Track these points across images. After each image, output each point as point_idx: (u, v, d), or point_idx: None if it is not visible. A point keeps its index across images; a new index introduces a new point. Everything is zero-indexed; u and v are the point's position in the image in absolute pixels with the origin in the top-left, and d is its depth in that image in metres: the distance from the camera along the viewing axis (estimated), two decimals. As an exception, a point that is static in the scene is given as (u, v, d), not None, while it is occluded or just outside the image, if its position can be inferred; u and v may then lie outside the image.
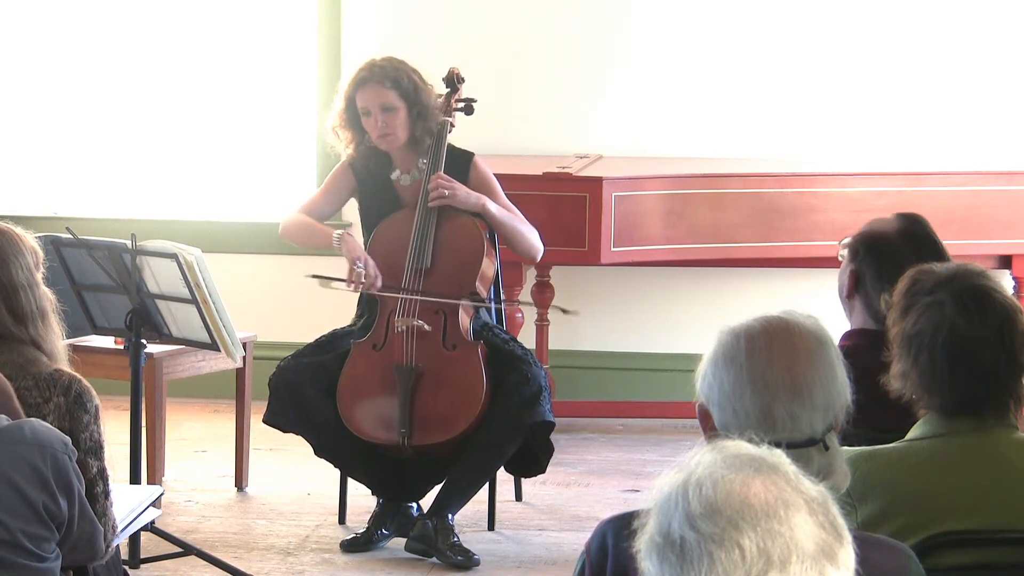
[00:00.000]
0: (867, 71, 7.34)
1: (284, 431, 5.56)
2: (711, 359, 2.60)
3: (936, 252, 3.94)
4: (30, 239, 3.80)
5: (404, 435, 5.39)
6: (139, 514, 4.22)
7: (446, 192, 5.49)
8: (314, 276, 5.56)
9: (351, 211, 5.94)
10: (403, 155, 5.62)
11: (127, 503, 4.13)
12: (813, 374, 2.57)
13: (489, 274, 5.59)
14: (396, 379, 5.44)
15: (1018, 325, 3.15)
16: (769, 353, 2.57)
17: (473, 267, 5.52)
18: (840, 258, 4.07)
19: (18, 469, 3.19)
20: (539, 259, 5.77)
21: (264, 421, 5.51)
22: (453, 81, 5.76)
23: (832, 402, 2.59)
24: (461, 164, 5.62)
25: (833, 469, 2.58)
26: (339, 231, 5.57)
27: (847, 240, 4.05)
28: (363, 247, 5.57)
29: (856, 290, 3.98)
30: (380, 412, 5.44)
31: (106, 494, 3.57)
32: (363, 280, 5.47)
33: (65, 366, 3.73)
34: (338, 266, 5.63)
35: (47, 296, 3.76)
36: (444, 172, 5.55)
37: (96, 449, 3.59)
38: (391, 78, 5.50)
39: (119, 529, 3.77)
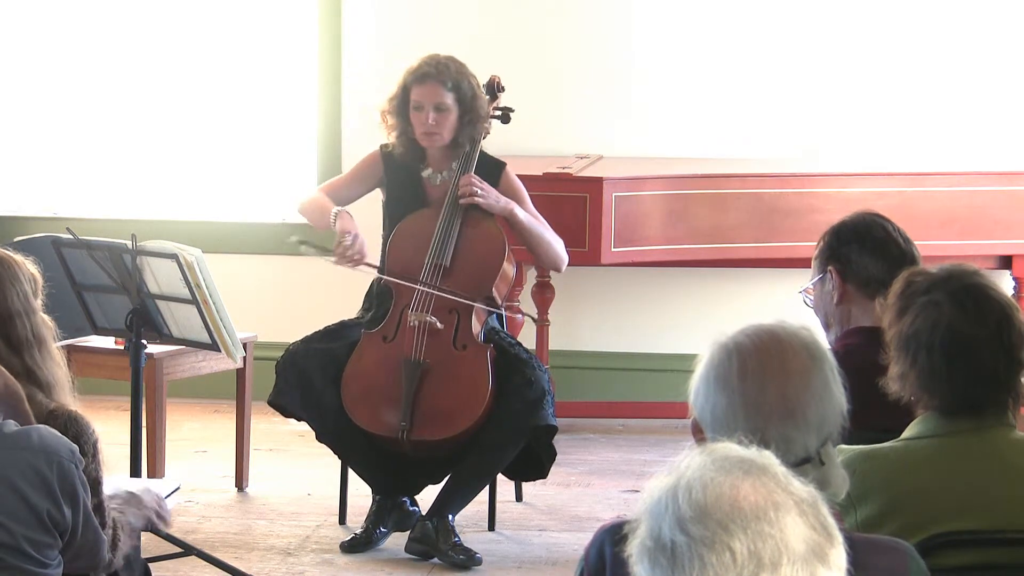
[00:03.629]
0: (867, 72, 7.34)
1: (287, 414, 5.56)
2: (703, 376, 2.56)
3: (891, 223, 4.01)
4: (29, 266, 3.77)
5: (404, 428, 5.39)
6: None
7: (478, 191, 5.50)
8: (299, 241, 5.58)
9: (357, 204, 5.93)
10: (439, 155, 5.64)
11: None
12: (807, 395, 2.52)
13: (507, 279, 5.61)
14: (402, 372, 5.44)
15: (1015, 323, 3.15)
16: (762, 377, 2.52)
17: (492, 271, 5.53)
18: (806, 301, 4.09)
19: (23, 475, 3.19)
20: (563, 270, 5.79)
21: (269, 402, 5.52)
22: (493, 89, 5.79)
23: (826, 418, 2.54)
24: (493, 172, 5.63)
25: (829, 481, 2.53)
26: (338, 207, 5.58)
27: (813, 265, 4.07)
28: (357, 227, 5.56)
29: (845, 280, 3.98)
30: (383, 404, 5.45)
31: (103, 524, 3.54)
32: (346, 254, 5.48)
33: (65, 396, 3.68)
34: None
35: (46, 324, 3.72)
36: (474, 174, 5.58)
37: (95, 486, 3.57)
38: (452, 79, 5.52)
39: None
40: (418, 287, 5.50)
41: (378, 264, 5.61)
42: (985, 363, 3.11)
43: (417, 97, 5.53)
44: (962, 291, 3.15)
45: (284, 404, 5.50)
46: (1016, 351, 3.13)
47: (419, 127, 5.54)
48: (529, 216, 5.61)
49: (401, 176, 5.67)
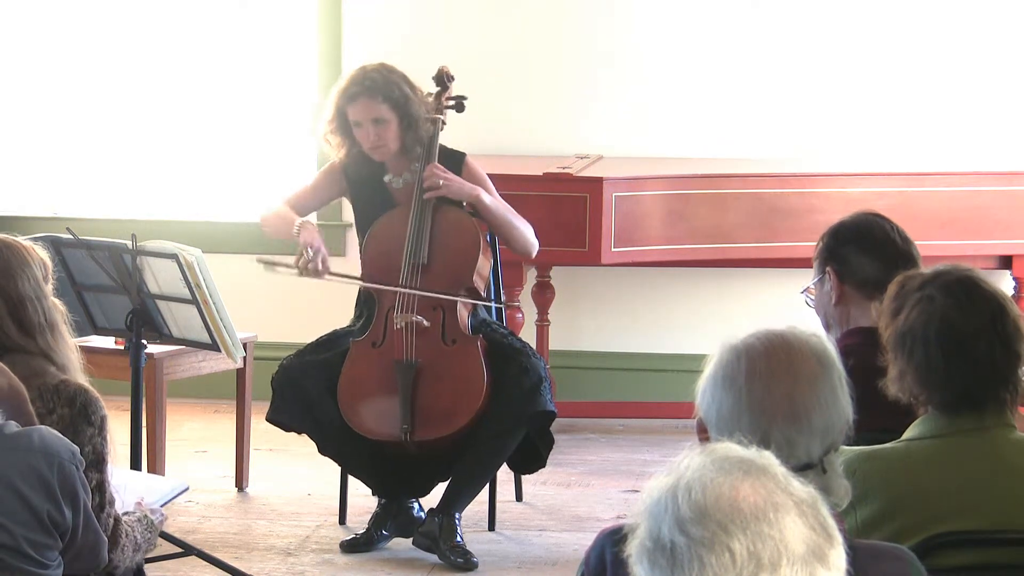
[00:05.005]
0: (867, 71, 7.34)
1: (287, 430, 5.56)
2: (711, 376, 2.57)
3: (890, 223, 4.02)
4: (39, 252, 3.80)
5: (406, 431, 5.39)
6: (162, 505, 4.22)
7: (440, 182, 5.50)
8: (260, 260, 5.57)
9: (350, 214, 5.94)
10: (395, 161, 5.63)
11: (151, 495, 4.13)
12: (813, 400, 2.54)
13: (485, 270, 5.60)
14: (396, 375, 5.44)
15: (1010, 314, 3.15)
16: (769, 378, 2.53)
17: (469, 262, 5.53)
18: (808, 301, 4.09)
19: (24, 476, 3.19)
20: (534, 255, 5.77)
21: (267, 419, 5.51)
22: (443, 79, 5.77)
23: (831, 425, 2.56)
24: (453, 164, 5.63)
25: (831, 489, 2.54)
26: (300, 219, 5.58)
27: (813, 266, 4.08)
28: (321, 238, 5.56)
29: (843, 281, 3.98)
30: (381, 409, 5.45)
31: (102, 506, 3.55)
32: (308, 266, 5.48)
33: (78, 376, 3.70)
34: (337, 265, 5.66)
35: (57, 307, 3.75)
36: None
37: (97, 462, 3.57)
38: (382, 91, 5.50)
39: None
40: (398, 290, 5.49)
41: (345, 274, 5.58)
42: (982, 355, 3.11)
43: (354, 116, 5.52)
44: (954, 284, 3.17)
45: (283, 420, 5.49)
46: (1012, 343, 3.13)
47: (364, 143, 5.54)
48: (495, 200, 5.60)
49: (365, 185, 5.67)
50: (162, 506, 4.18)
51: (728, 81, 7.38)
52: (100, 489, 3.56)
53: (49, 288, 3.76)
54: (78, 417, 3.57)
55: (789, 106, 7.36)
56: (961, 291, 3.16)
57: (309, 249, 5.48)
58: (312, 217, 5.89)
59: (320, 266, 5.49)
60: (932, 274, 3.23)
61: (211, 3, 7.66)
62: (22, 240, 3.81)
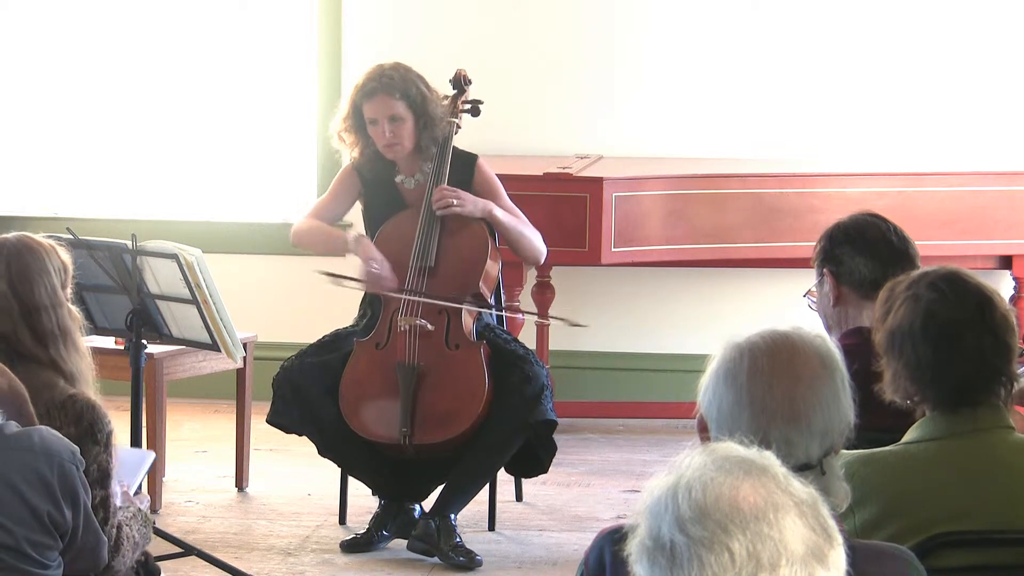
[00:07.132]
0: (867, 71, 7.34)
1: (287, 432, 5.56)
2: (713, 373, 2.57)
3: (886, 222, 4.03)
4: (61, 253, 3.77)
5: (405, 434, 5.39)
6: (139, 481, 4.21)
7: (453, 202, 5.49)
8: (325, 273, 5.54)
9: (352, 214, 5.94)
10: (408, 161, 5.63)
11: (126, 474, 4.12)
12: (813, 400, 2.54)
13: (492, 275, 5.60)
14: (398, 378, 5.44)
15: (996, 306, 3.15)
16: (770, 377, 2.54)
17: (477, 268, 5.53)
18: (811, 304, 4.10)
19: (24, 477, 3.19)
20: (542, 262, 5.79)
21: (268, 421, 5.51)
22: (460, 83, 5.78)
23: (831, 427, 2.56)
24: (465, 166, 5.63)
25: (830, 491, 2.53)
26: (355, 233, 5.58)
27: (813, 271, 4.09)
28: (377, 251, 5.56)
29: (839, 282, 3.99)
30: (382, 411, 5.45)
31: (106, 520, 3.54)
32: (380, 282, 5.48)
33: (88, 388, 3.69)
34: (340, 266, 5.65)
35: (72, 315, 3.74)
36: (448, 173, 5.57)
37: (102, 479, 3.57)
38: (400, 89, 5.50)
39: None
40: (403, 296, 5.48)
41: (403, 294, 5.53)
42: (971, 345, 3.11)
43: (369, 113, 5.52)
44: (938, 280, 3.18)
45: (283, 422, 5.49)
46: (1002, 334, 3.13)
47: (379, 141, 5.53)
48: (508, 215, 5.60)
49: (377, 185, 5.66)
50: (139, 484, 4.17)
51: (728, 81, 7.39)
52: (104, 505, 3.56)
53: (67, 294, 3.75)
54: (85, 436, 3.56)
55: (789, 106, 7.37)
56: (944, 285, 3.17)
57: (374, 264, 5.47)
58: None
59: (391, 283, 5.48)
60: (918, 275, 3.24)
61: (211, 4, 7.66)
62: (44, 240, 3.78)
